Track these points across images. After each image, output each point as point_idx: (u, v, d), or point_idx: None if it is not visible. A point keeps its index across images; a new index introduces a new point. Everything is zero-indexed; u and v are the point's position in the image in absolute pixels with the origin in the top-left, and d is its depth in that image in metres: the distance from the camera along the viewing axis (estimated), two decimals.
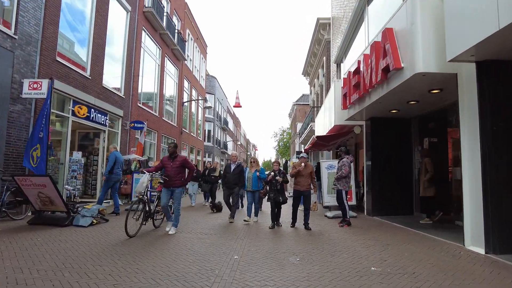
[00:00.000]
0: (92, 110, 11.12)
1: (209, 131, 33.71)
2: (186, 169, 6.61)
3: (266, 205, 12.25)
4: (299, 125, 36.19)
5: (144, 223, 6.19)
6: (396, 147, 9.05)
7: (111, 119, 12.75)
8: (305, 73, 26.18)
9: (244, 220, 7.68)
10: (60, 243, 5.11)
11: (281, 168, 7.38)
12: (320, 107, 18.42)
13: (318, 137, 10.46)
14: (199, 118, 27.82)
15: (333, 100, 10.15)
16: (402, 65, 5.63)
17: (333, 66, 16.22)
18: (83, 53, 10.84)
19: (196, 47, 25.43)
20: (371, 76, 6.78)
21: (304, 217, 7.08)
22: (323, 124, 12.66)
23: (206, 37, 36.31)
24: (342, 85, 9.05)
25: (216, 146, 35.02)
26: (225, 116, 40.75)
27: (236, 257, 4.59)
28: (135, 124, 13.51)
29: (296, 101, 44.45)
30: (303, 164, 7.04)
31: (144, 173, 6.52)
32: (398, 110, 8.09)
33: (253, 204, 7.92)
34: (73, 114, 10.11)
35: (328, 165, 9.26)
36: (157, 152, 17.02)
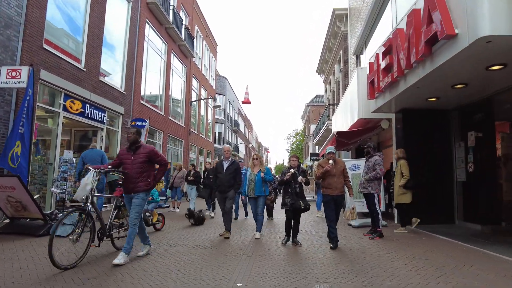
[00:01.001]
0: (88, 105, 10.13)
1: (219, 134, 32.70)
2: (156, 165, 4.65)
3: (279, 214, 11.05)
4: (312, 126, 34.85)
5: (96, 244, 4.24)
6: (432, 144, 7.67)
7: (110, 117, 11.76)
8: (320, 70, 24.86)
9: (256, 238, 6.01)
10: (13, 262, 3.98)
11: (302, 164, 5.91)
12: (337, 104, 17.08)
13: (339, 133, 9.14)
14: (209, 119, 26.81)
15: (356, 91, 8.84)
16: (456, 31, 4.32)
17: (352, 59, 14.92)
18: (77, 43, 9.88)
19: (205, 45, 24.48)
20: (409, 53, 5.48)
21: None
22: (343, 120, 11.33)
23: (215, 36, 35.60)
24: (368, 72, 7.74)
25: None
26: (236, 118, 39.69)
27: (240, 285, 3.37)
28: (137, 122, 12.49)
29: (310, 102, 43.08)
30: (331, 161, 5.28)
31: (89, 170, 4.30)
32: (437, 98, 6.73)
33: (257, 215, 6.26)
34: (65, 109, 9.12)
35: (352, 165, 7.94)
36: (162, 153, 15.97)
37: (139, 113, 13.32)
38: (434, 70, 5.04)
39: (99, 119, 10.83)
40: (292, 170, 5.37)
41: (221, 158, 6.71)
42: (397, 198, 6.74)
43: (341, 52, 17.54)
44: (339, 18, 17.22)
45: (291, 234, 5.55)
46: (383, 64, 6.76)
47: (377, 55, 7.16)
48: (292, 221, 5.52)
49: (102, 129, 11.12)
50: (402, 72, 5.93)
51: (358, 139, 10.31)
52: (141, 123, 12.45)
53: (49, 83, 8.38)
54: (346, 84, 16.33)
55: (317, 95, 44.02)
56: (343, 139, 9.51)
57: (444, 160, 7.61)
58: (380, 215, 6.22)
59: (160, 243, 5.45)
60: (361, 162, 8.07)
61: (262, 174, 6.12)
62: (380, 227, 6.18)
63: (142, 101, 13.84)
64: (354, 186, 7.90)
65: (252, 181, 6.17)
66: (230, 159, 6.40)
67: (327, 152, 5.50)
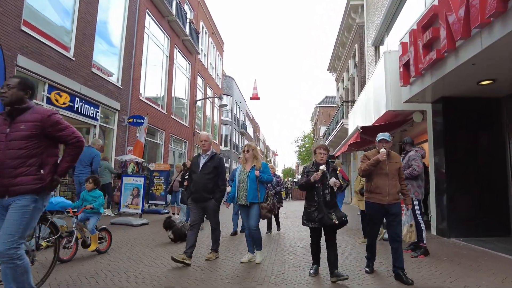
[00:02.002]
0: (77, 99, 9.06)
1: (226, 136, 31.54)
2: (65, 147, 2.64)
3: (291, 222, 9.73)
4: (322, 128, 33.53)
5: None
6: (479, 140, 6.37)
7: (105, 113, 10.70)
8: (331, 68, 23.60)
9: (241, 262, 4.35)
10: None
11: (331, 161, 4.38)
12: (353, 102, 15.81)
13: (363, 128, 7.85)
14: (215, 120, 25.69)
15: (383, 79, 7.58)
16: None
17: (370, 51, 13.67)
18: (64, 28, 8.83)
19: (211, 43, 23.44)
20: (468, 16, 4.22)
21: (393, 255, 3.69)
22: (363, 116, 10.04)
23: (222, 35, 33.77)
24: (401, 53, 6.47)
25: (233, 151, 32.78)
26: (243, 120, 38.57)
27: None
28: (134, 119, 11.40)
29: (319, 103, 41.72)
30: (383, 150, 3.76)
31: None
32: (493, 80, 5.43)
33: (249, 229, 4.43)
34: (49, 101, 8.05)
35: None
36: (164, 154, 14.87)
37: (137, 110, 12.23)
38: (509, 34, 3.76)
39: (91, 115, 9.75)
40: (322, 168, 3.65)
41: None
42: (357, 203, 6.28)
43: (356, 46, 16.30)
44: (354, 9, 16.01)
45: (323, 261, 3.85)
46: (423, 40, 5.50)
47: (414, 31, 5.89)
48: (325, 243, 3.74)
49: (94, 126, 10.04)
50: (454, 44, 4.66)
51: None
52: (139, 120, 11.35)
53: (29, 71, 7.31)
54: (362, 79, 15.09)
55: (326, 96, 42.69)
56: (366, 136, 8.22)
57: (495, 159, 6.28)
58: (423, 227, 4.92)
59: (137, 260, 4.24)
60: None
61: (256, 172, 4.35)
62: (425, 242, 4.88)
63: (141, 97, 12.76)
64: None
65: (243, 182, 4.39)
66: (210, 152, 4.55)
67: (377, 140, 3.93)
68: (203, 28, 21.32)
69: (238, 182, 4.45)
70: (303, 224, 3.85)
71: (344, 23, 17.50)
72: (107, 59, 10.91)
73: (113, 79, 10.96)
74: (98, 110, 10.08)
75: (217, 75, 25.54)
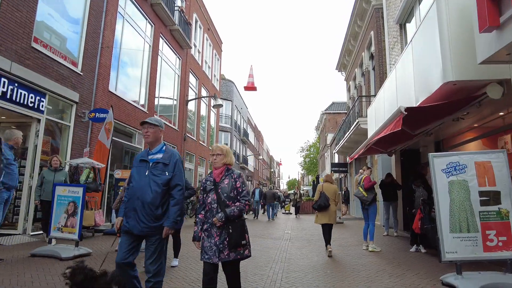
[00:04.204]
0: (6, 81, 6.64)
1: (225, 144, 29.02)
2: None
3: (302, 253, 7.09)
4: (329, 136, 30.96)
5: None
6: None
7: (57, 105, 8.27)
8: (341, 66, 21.18)
9: None
10: None
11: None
12: (372, 96, 13.28)
13: (409, 110, 5.04)
14: (212, 124, 23.21)
15: (435, 35, 5.01)
16: None
17: (392, 33, 11.25)
18: None
19: (207, 39, 21.18)
20: None
21: None
22: (393, 104, 7.43)
23: (222, 38, 30.34)
24: None
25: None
26: (245, 127, 36.09)
27: None
28: (96, 114, 8.93)
29: (325, 110, 39.21)
30: None
31: None
32: None
33: None
34: None
35: (449, 165, 4.03)
36: None
37: (105, 105, 9.78)
38: None
39: (31, 105, 7.30)
40: None
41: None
42: None
43: (372, 33, 13.88)
44: None
45: None
46: None
47: None
48: None
49: (38, 120, 7.58)
50: None
51: (426, 128, 6.40)
52: (102, 115, 8.88)
53: None
54: (381, 70, 12.61)
55: (333, 102, 40.27)
56: (407, 128, 5.62)
57: None
58: None
59: None
60: (467, 158, 4.12)
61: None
62: None
63: (111, 89, 10.33)
64: (457, 206, 3.98)
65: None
66: None
67: None
68: (196, 21, 19.09)
69: None
70: None
71: (357, 9, 15.15)
72: (61, 35, 8.51)
73: (68, 61, 8.54)
74: (43, 100, 7.65)
75: (214, 75, 23.22)
